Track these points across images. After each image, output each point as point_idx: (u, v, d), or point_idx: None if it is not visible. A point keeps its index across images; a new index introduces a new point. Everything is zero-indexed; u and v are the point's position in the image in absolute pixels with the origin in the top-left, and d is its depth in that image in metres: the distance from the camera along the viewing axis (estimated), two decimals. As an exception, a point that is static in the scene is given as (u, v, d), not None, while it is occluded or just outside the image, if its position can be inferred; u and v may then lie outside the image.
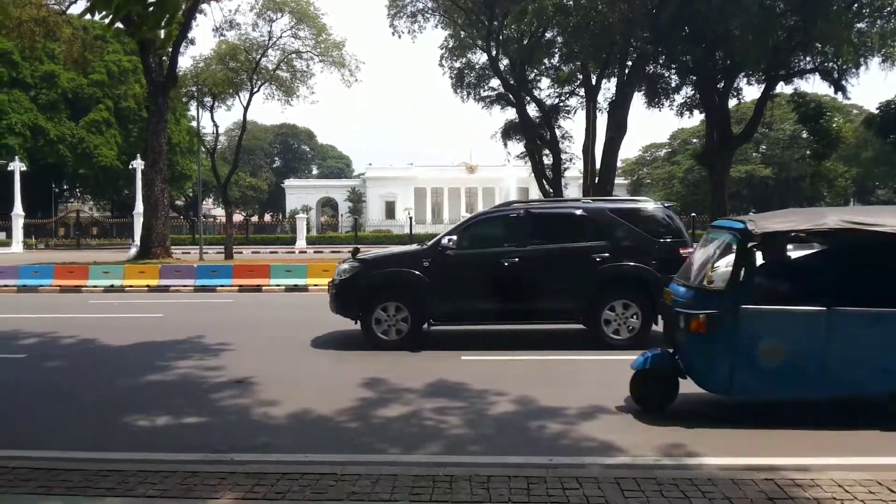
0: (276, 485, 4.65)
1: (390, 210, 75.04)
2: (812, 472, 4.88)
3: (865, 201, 70.66)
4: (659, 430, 6.09)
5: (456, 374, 8.29)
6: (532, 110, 33.37)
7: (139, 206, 38.40)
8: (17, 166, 42.67)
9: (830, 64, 27.69)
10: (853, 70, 27.29)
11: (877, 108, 28.83)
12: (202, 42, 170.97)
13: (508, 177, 67.18)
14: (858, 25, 25.96)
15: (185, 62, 42.27)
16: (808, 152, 30.38)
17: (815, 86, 77.49)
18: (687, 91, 31.57)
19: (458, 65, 35.19)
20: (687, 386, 6.50)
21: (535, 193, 58.75)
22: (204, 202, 61.64)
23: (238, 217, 65.61)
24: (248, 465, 5.13)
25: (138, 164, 38.06)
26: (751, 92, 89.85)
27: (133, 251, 31.37)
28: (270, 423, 6.49)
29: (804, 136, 39.57)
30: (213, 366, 9.03)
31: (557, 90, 34.19)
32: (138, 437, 6.14)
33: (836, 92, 28.67)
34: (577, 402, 6.90)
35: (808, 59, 28.02)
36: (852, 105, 58.95)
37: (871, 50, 26.20)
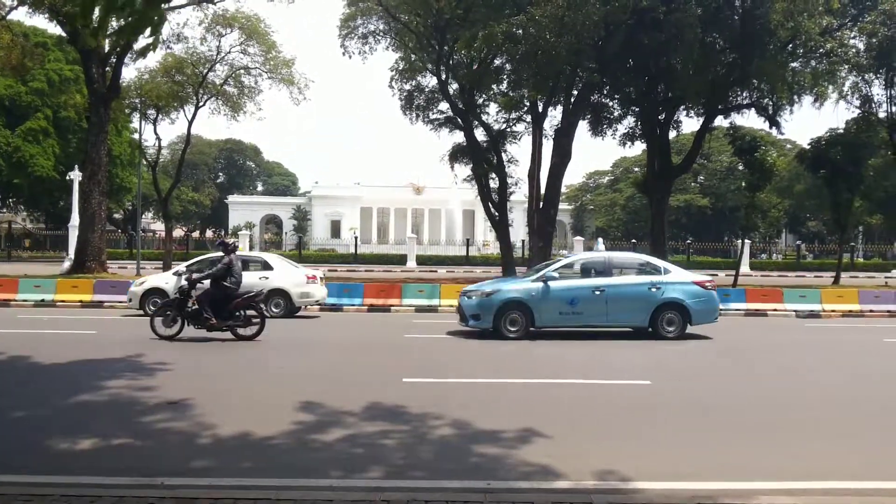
0: (207, 510, 4.53)
1: (336, 229, 74.58)
2: (746, 498, 5.00)
3: (797, 232, 73.41)
4: (594, 453, 6.15)
5: (394, 397, 8.24)
6: (480, 134, 33.68)
7: (75, 219, 37.25)
8: (-54, 174, 41.01)
9: (766, 100, 28.75)
10: (787, 107, 28.40)
11: (808, 144, 30.01)
12: (148, 54, 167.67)
13: (455, 199, 67.63)
14: (793, 65, 27.07)
15: (129, 73, 41.50)
16: (743, 184, 31.30)
17: (751, 120, 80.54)
18: (630, 121, 32.40)
19: (407, 87, 35.32)
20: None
21: (480, 216, 59.27)
22: (143, 216, 60.18)
23: (178, 232, 64.28)
24: (179, 489, 4.98)
25: (76, 175, 37.01)
26: (690, 124, 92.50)
27: (67, 265, 30.37)
28: (205, 446, 6.31)
29: (740, 168, 40.93)
30: (148, 385, 8.77)
31: (505, 116, 34.58)
32: (62, 459, 5.89)
33: (770, 127, 29.79)
34: (512, 426, 6.95)
35: (744, 94, 29.05)
36: (786, 140, 61.47)
37: (803, 88, 27.33)
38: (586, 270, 14.77)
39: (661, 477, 5.52)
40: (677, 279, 14.45)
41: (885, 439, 6.88)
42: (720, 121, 31.95)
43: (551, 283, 13.86)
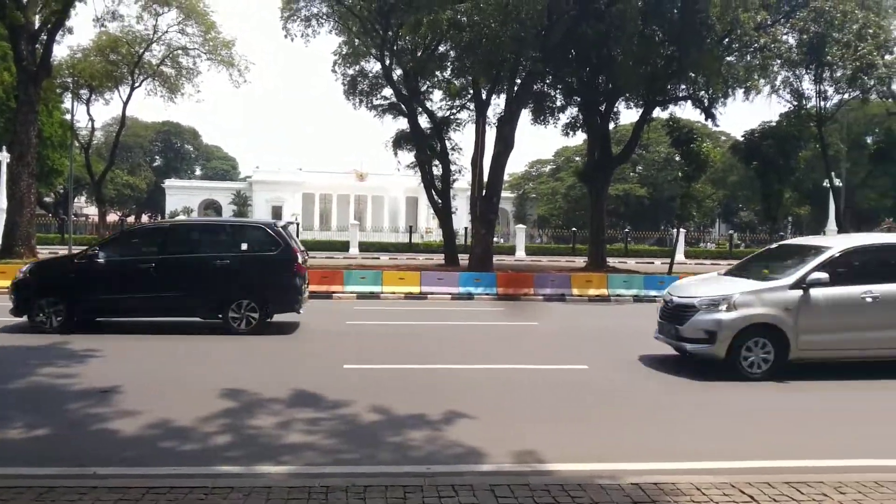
0: (141, 499, 4.45)
1: (277, 215, 73.40)
2: (672, 476, 5.17)
3: (730, 221, 75.69)
4: (513, 435, 6.29)
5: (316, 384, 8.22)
6: (423, 121, 33.63)
7: (2, 202, 35.70)
8: None
9: (702, 92, 29.45)
10: (721, 99, 29.17)
11: (742, 136, 30.84)
12: (81, 32, 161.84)
13: (398, 186, 67.43)
14: (728, 58, 27.81)
15: (60, 51, 39.91)
16: (679, 174, 32.05)
17: (687, 112, 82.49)
18: (572, 111, 32.78)
19: (351, 72, 34.99)
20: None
21: (423, 203, 59.26)
22: (76, 200, 58.17)
23: (113, 217, 62.36)
24: (111, 479, 4.88)
25: (3, 156, 35.41)
26: (630, 115, 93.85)
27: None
28: (135, 434, 6.20)
29: (677, 158, 41.89)
30: (75, 373, 8.54)
31: (449, 103, 34.60)
32: (-10, 450, 5.71)
33: (706, 119, 30.52)
34: (436, 410, 7.07)
35: (682, 86, 29.71)
36: (721, 132, 63.08)
37: (737, 81, 28.14)
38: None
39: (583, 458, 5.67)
40: None
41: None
42: (658, 112, 32.68)
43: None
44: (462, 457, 5.70)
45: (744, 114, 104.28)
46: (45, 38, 26.43)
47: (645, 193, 65.52)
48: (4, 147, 35.28)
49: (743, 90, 28.54)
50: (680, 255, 40.62)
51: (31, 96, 25.82)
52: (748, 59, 28.01)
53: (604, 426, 6.89)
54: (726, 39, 26.86)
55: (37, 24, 26.52)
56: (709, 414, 7.50)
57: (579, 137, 42.99)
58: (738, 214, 75.85)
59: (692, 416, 7.40)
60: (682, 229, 38.05)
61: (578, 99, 30.94)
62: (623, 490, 4.86)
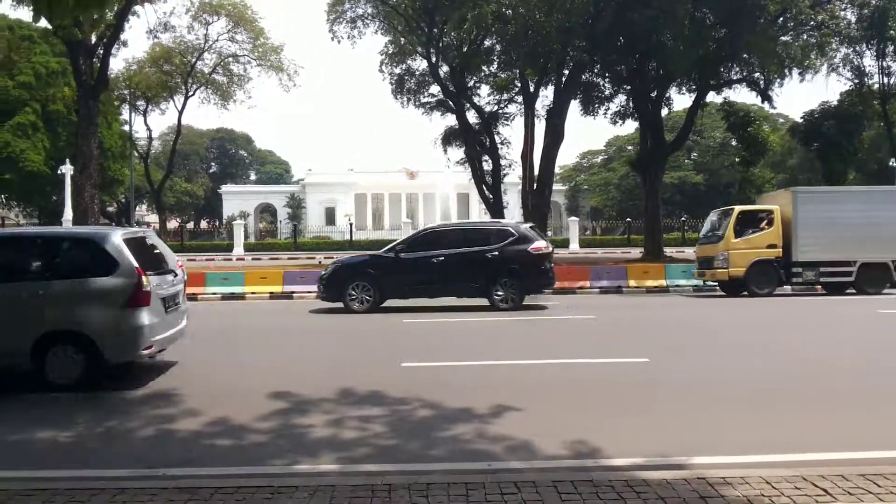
0: (210, 499, 4.54)
1: (330, 216, 74.35)
2: (740, 469, 5.03)
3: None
4: (569, 429, 6.21)
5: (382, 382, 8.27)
6: (472, 117, 33.61)
7: (68, 213, 37.16)
8: (-64, 171, 40.74)
9: (757, 74, 28.71)
10: (778, 80, 28.38)
11: (801, 118, 29.99)
12: (135, 44, 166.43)
13: (448, 183, 67.43)
14: (783, 38, 27.02)
15: (116, 64, 41.12)
16: (736, 159, 31.31)
17: (742, 95, 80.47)
18: (621, 99, 32.35)
19: (398, 71, 35.19)
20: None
21: (474, 199, 59.19)
22: (137, 208, 59.99)
23: (173, 223, 64.09)
24: (181, 479, 4.99)
25: (67, 169, 36.84)
26: (682, 101, 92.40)
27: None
28: (196, 435, 6.33)
29: (733, 143, 40.89)
30: (137, 375, 8.79)
31: (496, 97, 34.53)
32: (50, 453, 5.91)
33: (762, 101, 29.76)
34: (484, 403, 7.05)
35: (736, 69, 29.00)
36: (778, 114, 61.26)
37: (794, 62, 27.30)
38: None
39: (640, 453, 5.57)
40: None
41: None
42: (712, 96, 31.94)
43: None
44: (521, 453, 5.66)
45: (801, 94, 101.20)
46: (101, 52, 27.32)
47: (701, 180, 64.08)
48: (68, 160, 36.63)
49: (800, 71, 27.66)
50: (740, 243, 39.63)
51: (91, 110, 26.72)
52: (804, 37, 27.17)
53: (667, 419, 6.74)
54: (780, 19, 26.12)
55: (93, 39, 27.43)
56: (777, 405, 7.27)
57: (630, 126, 42.38)
58: (799, 198, 73.56)
59: (758, 406, 7.19)
60: (740, 216, 37.14)
61: (628, 87, 30.48)
62: (689, 484, 4.75)
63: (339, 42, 33.72)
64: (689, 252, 37.15)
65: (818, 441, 5.88)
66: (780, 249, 18.23)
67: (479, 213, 67.43)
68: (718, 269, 18.60)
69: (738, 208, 19.68)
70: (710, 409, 7.11)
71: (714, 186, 64.12)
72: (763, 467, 5.12)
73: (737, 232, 18.66)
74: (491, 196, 32.80)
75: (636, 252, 34.46)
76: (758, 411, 6.96)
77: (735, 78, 29.43)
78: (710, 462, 5.31)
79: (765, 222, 18.83)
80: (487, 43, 30.49)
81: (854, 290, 18.33)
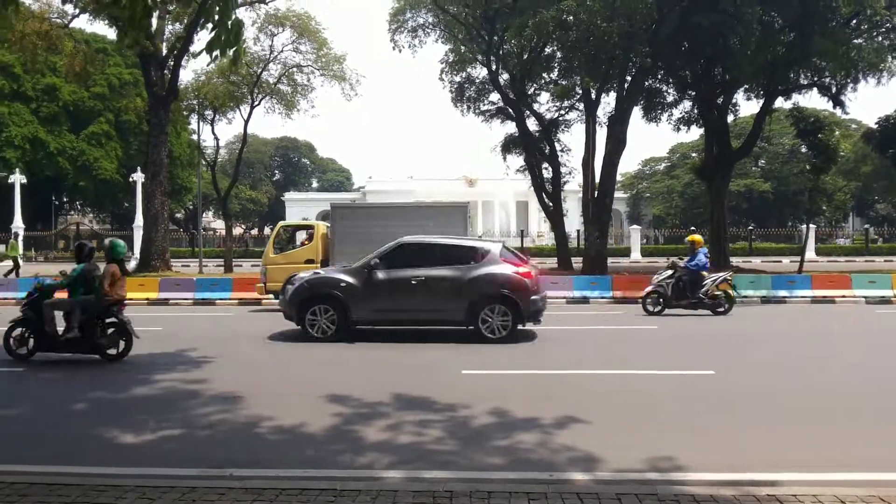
0: (275, 500, 4.62)
1: (390, 223, 74.89)
2: (812, 488, 4.85)
3: (865, 215, 70.78)
4: (637, 441, 6.08)
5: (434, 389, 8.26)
6: (532, 124, 33.45)
7: (139, 219, 38.47)
8: (18, 179, 42.74)
9: (828, 79, 27.77)
10: (850, 85, 27.34)
11: (875, 123, 28.84)
12: (204, 56, 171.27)
13: (508, 190, 67.32)
14: (856, 41, 26.01)
15: (186, 75, 42.54)
16: (807, 167, 30.30)
17: (813, 100, 77.96)
18: (685, 105, 31.73)
19: (458, 79, 35.31)
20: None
21: (534, 207, 58.92)
22: (204, 215, 61.66)
23: (238, 230, 65.62)
24: (247, 480, 5.09)
25: (138, 176, 38.12)
26: (749, 106, 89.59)
27: (133, 264, 31.33)
28: (261, 437, 6.44)
29: (803, 150, 39.62)
30: (201, 378, 9.02)
31: (557, 104, 34.27)
32: (126, 451, 6.09)
33: (834, 107, 28.74)
34: (550, 413, 6.98)
35: (806, 74, 28.11)
36: (851, 119, 59.22)
37: (868, 65, 26.25)
38: None
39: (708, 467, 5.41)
40: None
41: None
42: (781, 102, 31.01)
43: None
44: (583, 464, 5.58)
45: (876, 99, 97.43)
46: (171, 64, 28.21)
47: (769, 188, 62.29)
48: (139, 168, 37.93)
49: (874, 74, 26.60)
50: (811, 253, 38.44)
51: (162, 119, 27.62)
52: (879, 40, 26.11)
53: (734, 434, 6.55)
54: (853, 21, 25.20)
55: (164, 52, 28.36)
56: (849, 421, 6.99)
57: (694, 133, 41.61)
58: (874, 207, 70.84)
59: (829, 421, 6.92)
60: (811, 225, 35.84)
61: (692, 93, 29.88)
62: (759, 502, 4.60)
63: (400, 51, 34.09)
64: (757, 262, 36.30)
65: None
66: (319, 264, 17.38)
67: (538, 221, 67.11)
68: (260, 284, 18.36)
69: (280, 224, 21.25)
70: (779, 423, 6.89)
71: (783, 194, 62.27)
72: (837, 486, 4.93)
73: (277, 247, 18.95)
74: (551, 204, 32.55)
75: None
76: (828, 426, 6.72)
77: (805, 82, 28.51)
78: (780, 479, 5.15)
79: (306, 238, 19.23)
80: (548, 50, 30.31)
81: None
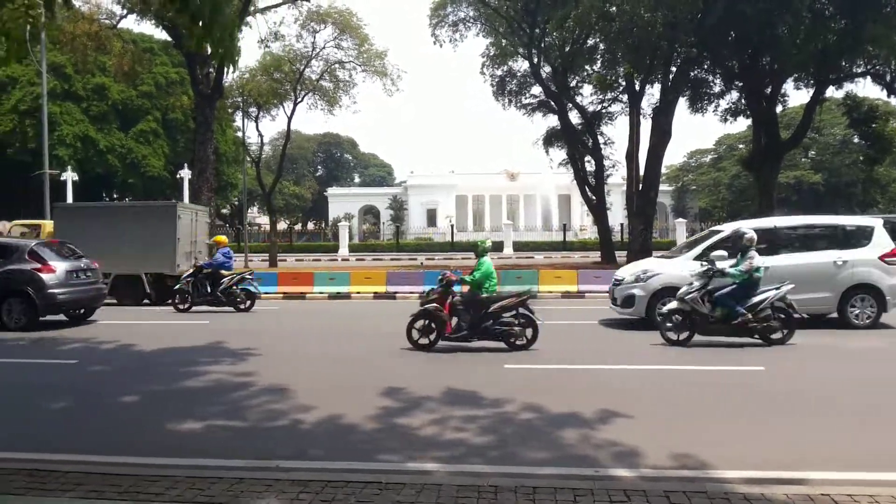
0: (321, 492, 4.66)
1: (431, 218, 75.12)
2: (867, 488, 4.71)
3: (920, 207, 68.47)
4: (683, 438, 5.98)
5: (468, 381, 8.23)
6: (574, 117, 33.16)
7: (186, 215, 39.05)
8: (70, 176, 43.86)
9: (882, 67, 26.92)
10: (906, 73, 26.48)
11: (932, 111, 27.89)
12: (247, 53, 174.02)
13: (550, 184, 66.79)
14: (911, 27, 25.17)
15: (231, 74, 43.11)
16: (860, 157, 29.45)
17: (867, 89, 75.58)
18: (732, 96, 31.05)
19: (499, 72, 35.19)
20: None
21: (576, 200, 58.40)
22: (249, 210, 62.64)
23: (282, 225, 66.46)
24: (294, 472, 5.15)
25: (185, 173, 38.78)
26: (797, 96, 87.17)
27: (181, 259, 31.92)
28: (308, 430, 6.51)
29: (856, 140, 38.50)
30: (249, 371, 9.17)
31: (600, 96, 33.92)
32: (176, 440, 6.22)
33: (888, 95, 27.86)
34: (593, 408, 6.94)
35: (859, 62, 27.27)
36: (906, 108, 57.28)
37: (925, 52, 25.38)
38: None
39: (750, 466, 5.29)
40: None
41: None
42: (832, 91, 30.18)
43: None
44: (631, 460, 5.50)
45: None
46: (216, 62, 28.61)
47: (819, 180, 60.64)
48: (186, 164, 38.62)
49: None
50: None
51: (208, 117, 28.04)
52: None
53: (784, 431, 6.40)
54: (910, 6, 24.37)
55: (209, 51, 28.78)
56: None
57: (742, 123, 40.74)
58: (930, 198, 68.47)
59: (883, 420, 6.71)
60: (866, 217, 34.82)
61: (740, 83, 29.24)
62: (813, 501, 4.49)
63: (440, 46, 34.05)
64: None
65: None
66: None
67: (581, 215, 66.51)
68: None
69: (15, 222, 22.39)
70: (831, 420, 6.71)
71: (834, 186, 60.55)
72: (894, 486, 4.78)
73: None
74: (594, 197, 32.26)
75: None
76: (882, 425, 6.51)
77: (858, 71, 27.67)
78: (833, 478, 5.01)
79: (35, 236, 19.78)
80: (591, 42, 29.99)
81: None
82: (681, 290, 11.17)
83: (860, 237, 12.80)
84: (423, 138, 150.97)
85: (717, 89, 31.02)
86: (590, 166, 33.15)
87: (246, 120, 35.51)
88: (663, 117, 27.06)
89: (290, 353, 10.98)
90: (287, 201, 78.72)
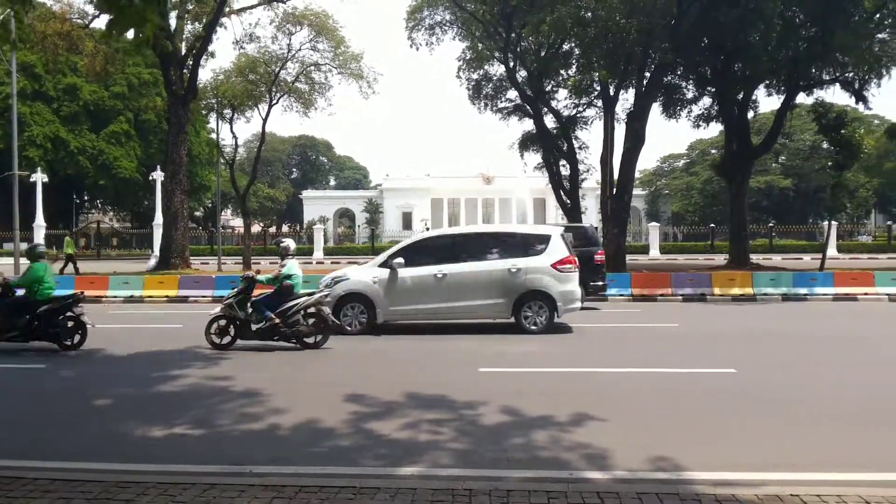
0: (294, 497, 4.62)
1: (407, 221, 75.16)
2: (835, 488, 4.78)
3: (888, 212, 69.89)
4: (654, 440, 6.03)
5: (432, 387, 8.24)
6: (549, 121, 33.34)
7: (159, 217, 38.74)
8: (39, 178, 43.19)
9: (851, 74, 27.40)
10: (874, 80, 26.94)
11: (899, 119, 28.43)
12: (222, 55, 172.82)
13: (525, 187, 67.13)
14: (880, 36, 25.64)
15: (205, 75, 42.62)
16: (829, 163, 29.93)
17: (835, 96, 76.90)
18: (705, 102, 31.41)
19: (475, 76, 35.25)
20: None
21: (552, 204, 58.67)
22: (223, 213, 62.09)
23: (256, 228, 65.98)
24: (267, 477, 5.10)
25: (158, 175, 38.43)
26: (769, 102, 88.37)
27: (152, 262, 31.59)
28: (280, 434, 6.47)
29: (825, 146, 39.19)
30: (225, 375, 9.07)
31: (575, 101, 34.09)
32: (149, 447, 6.13)
33: (857, 102, 28.37)
34: (565, 411, 6.98)
35: (828, 69, 27.72)
36: (873, 115, 58.45)
37: (892, 60, 25.87)
38: None
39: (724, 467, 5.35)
40: None
41: None
42: (802, 98, 30.65)
43: None
44: (603, 462, 5.53)
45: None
46: (191, 63, 28.35)
47: (790, 185, 61.68)
48: (159, 166, 38.24)
49: (902, 69, 26.17)
50: (832, 250, 38.03)
51: (181, 118, 27.75)
52: (904, 34, 25.71)
53: (756, 433, 6.46)
54: (877, 15, 24.83)
55: (183, 51, 28.53)
56: (874, 421, 6.88)
57: (714, 129, 41.38)
58: (897, 203, 69.84)
59: (854, 422, 6.82)
60: (833, 222, 35.39)
61: (712, 89, 29.58)
62: (782, 502, 4.54)
63: (417, 49, 34.04)
64: (777, 259, 35.91)
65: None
66: None
67: (556, 218, 66.86)
68: None
69: None
70: (803, 423, 6.80)
71: (803, 191, 61.65)
72: (861, 486, 4.86)
73: None
74: (568, 201, 32.42)
75: (720, 259, 33.41)
76: (853, 427, 6.62)
77: (827, 78, 28.10)
78: (802, 479, 5.08)
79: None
80: (566, 47, 30.17)
81: None
82: (225, 296, 11.93)
83: (538, 245, 13.04)
84: (399, 141, 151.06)
85: (690, 95, 31.37)
86: (565, 170, 33.33)
87: (220, 122, 35.19)
88: (637, 122, 27.29)
89: (267, 357, 10.87)
90: (262, 204, 78.21)
